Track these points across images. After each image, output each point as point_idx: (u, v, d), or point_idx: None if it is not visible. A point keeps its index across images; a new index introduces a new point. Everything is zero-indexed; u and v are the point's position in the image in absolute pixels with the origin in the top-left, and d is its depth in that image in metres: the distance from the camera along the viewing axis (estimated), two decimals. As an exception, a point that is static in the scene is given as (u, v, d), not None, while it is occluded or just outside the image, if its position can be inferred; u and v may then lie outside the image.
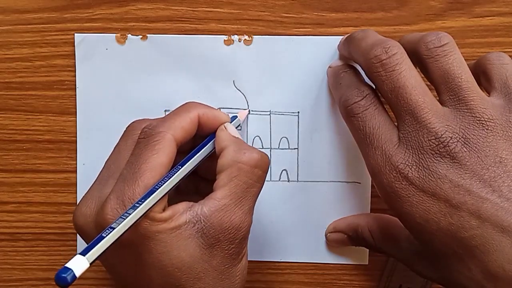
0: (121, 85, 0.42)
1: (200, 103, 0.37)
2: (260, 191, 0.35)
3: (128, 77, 0.42)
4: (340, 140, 0.42)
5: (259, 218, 0.43)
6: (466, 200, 0.32)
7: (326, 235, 0.43)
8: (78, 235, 0.43)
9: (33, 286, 0.45)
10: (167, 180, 0.33)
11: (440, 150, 0.32)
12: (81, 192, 0.43)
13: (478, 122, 0.33)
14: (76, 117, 0.43)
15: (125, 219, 0.31)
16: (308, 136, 0.42)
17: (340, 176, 0.42)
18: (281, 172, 0.42)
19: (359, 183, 0.42)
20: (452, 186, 0.32)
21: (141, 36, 0.42)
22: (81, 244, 0.44)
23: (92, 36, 0.42)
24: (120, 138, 0.37)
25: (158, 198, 0.32)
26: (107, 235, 0.30)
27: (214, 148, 0.36)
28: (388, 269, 0.44)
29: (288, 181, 0.43)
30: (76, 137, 0.43)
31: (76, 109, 0.43)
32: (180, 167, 0.34)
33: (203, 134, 0.37)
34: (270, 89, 0.42)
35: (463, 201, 0.32)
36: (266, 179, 0.42)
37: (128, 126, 0.37)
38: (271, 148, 0.42)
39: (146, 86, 0.42)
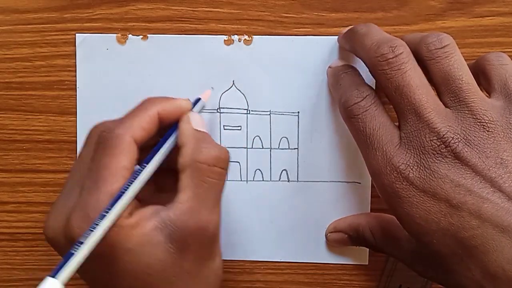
0: (122, 85, 0.42)
1: (159, 98, 0.36)
2: (223, 187, 0.35)
3: (128, 77, 0.42)
4: (340, 140, 0.42)
5: (259, 218, 0.43)
6: (466, 200, 0.32)
7: (326, 235, 0.43)
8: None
9: (33, 286, 0.45)
10: (132, 183, 0.32)
11: (442, 150, 0.32)
12: (81, 192, 0.43)
13: (479, 124, 0.33)
14: (76, 117, 0.43)
15: (92, 231, 0.30)
16: (308, 136, 0.42)
17: (340, 176, 0.42)
18: (281, 172, 0.42)
19: (359, 183, 0.42)
20: (453, 186, 0.32)
21: (141, 36, 0.42)
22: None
23: (93, 37, 0.42)
24: (83, 145, 0.36)
25: (125, 204, 0.32)
26: (76, 251, 0.30)
27: None
28: (388, 269, 0.44)
29: (288, 181, 0.43)
30: (76, 137, 0.43)
31: (76, 109, 0.43)
32: (145, 164, 0.33)
33: (167, 126, 0.36)
34: (270, 89, 0.42)
35: (464, 201, 0.32)
36: (267, 180, 0.42)
37: (90, 130, 0.36)
38: (271, 148, 0.42)
39: (146, 86, 0.42)
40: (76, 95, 0.43)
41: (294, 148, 0.42)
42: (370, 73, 0.36)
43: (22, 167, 0.44)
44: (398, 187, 0.33)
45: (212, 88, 0.42)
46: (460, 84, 0.33)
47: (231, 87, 0.42)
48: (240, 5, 0.42)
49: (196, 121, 0.36)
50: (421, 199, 0.33)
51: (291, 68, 0.42)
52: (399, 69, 0.34)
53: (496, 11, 0.41)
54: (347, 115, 0.36)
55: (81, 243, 0.30)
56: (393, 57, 0.34)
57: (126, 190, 0.32)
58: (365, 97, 0.35)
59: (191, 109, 0.37)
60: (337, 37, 0.41)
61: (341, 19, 0.41)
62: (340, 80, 0.38)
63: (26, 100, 0.43)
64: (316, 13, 0.41)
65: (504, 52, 0.36)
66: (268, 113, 0.42)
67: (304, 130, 0.42)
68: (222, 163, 0.34)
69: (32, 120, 0.43)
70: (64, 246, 0.32)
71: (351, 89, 0.36)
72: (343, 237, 0.42)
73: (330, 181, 0.42)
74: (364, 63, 0.36)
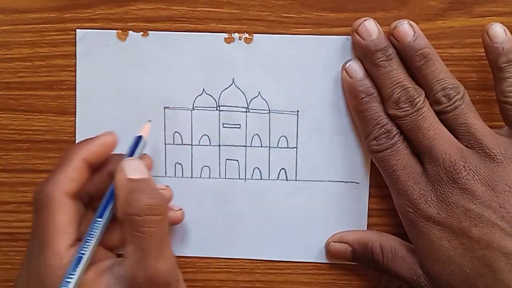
0: (122, 81, 0.42)
1: (82, 142, 0.37)
2: (165, 231, 0.34)
3: (128, 73, 0.42)
4: (339, 139, 0.42)
5: (257, 217, 0.43)
6: (476, 223, 0.35)
7: (328, 243, 0.42)
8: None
9: (32, 286, 0.45)
10: (90, 243, 0.33)
11: (454, 177, 0.36)
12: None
13: (488, 156, 0.36)
14: (76, 117, 0.43)
15: None
16: (307, 135, 0.42)
17: (339, 176, 0.42)
18: (280, 171, 0.42)
19: (357, 183, 0.42)
20: (464, 210, 0.35)
21: (142, 33, 0.42)
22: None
23: (93, 32, 0.42)
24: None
25: (84, 267, 0.32)
26: None
27: None
28: (388, 269, 0.43)
29: (287, 180, 0.42)
30: (75, 137, 0.43)
31: (76, 108, 0.43)
32: (99, 219, 0.34)
33: (104, 163, 0.37)
34: (270, 88, 0.42)
35: (474, 224, 0.35)
36: (265, 178, 0.42)
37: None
38: (270, 147, 0.42)
39: (146, 83, 0.42)
40: (76, 95, 0.43)
41: (293, 147, 0.42)
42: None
43: (22, 167, 0.44)
44: (413, 216, 0.37)
45: (150, 121, 0.40)
46: (475, 131, 0.37)
47: (230, 85, 0.42)
48: (240, 5, 0.42)
49: (130, 168, 0.34)
50: (434, 224, 0.36)
51: (291, 67, 0.42)
52: (416, 118, 0.38)
53: (496, 11, 0.41)
54: (370, 149, 0.39)
55: None
56: (413, 113, 0.37)
57: (84, 253, 0.33)
58: (387, 132, 0.38)
59: (135, 148, 0.37)
60: (337, 37, 0.41)
61: (341, 19, 0.41)
62: (360, 106, 0.39)
63: (26, 100, 0.43)
64: (316, 13, 0.41)
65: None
66: (268, 111, 0.42)
67: (303, 129, 0.42)
68: (155, 210, 0.33)
69: (32, 120, 0.43)
70: None
71: (372, 123, 0.38)
72: (346, 250, 0.41)
73: (329, 181, 0.42)
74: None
